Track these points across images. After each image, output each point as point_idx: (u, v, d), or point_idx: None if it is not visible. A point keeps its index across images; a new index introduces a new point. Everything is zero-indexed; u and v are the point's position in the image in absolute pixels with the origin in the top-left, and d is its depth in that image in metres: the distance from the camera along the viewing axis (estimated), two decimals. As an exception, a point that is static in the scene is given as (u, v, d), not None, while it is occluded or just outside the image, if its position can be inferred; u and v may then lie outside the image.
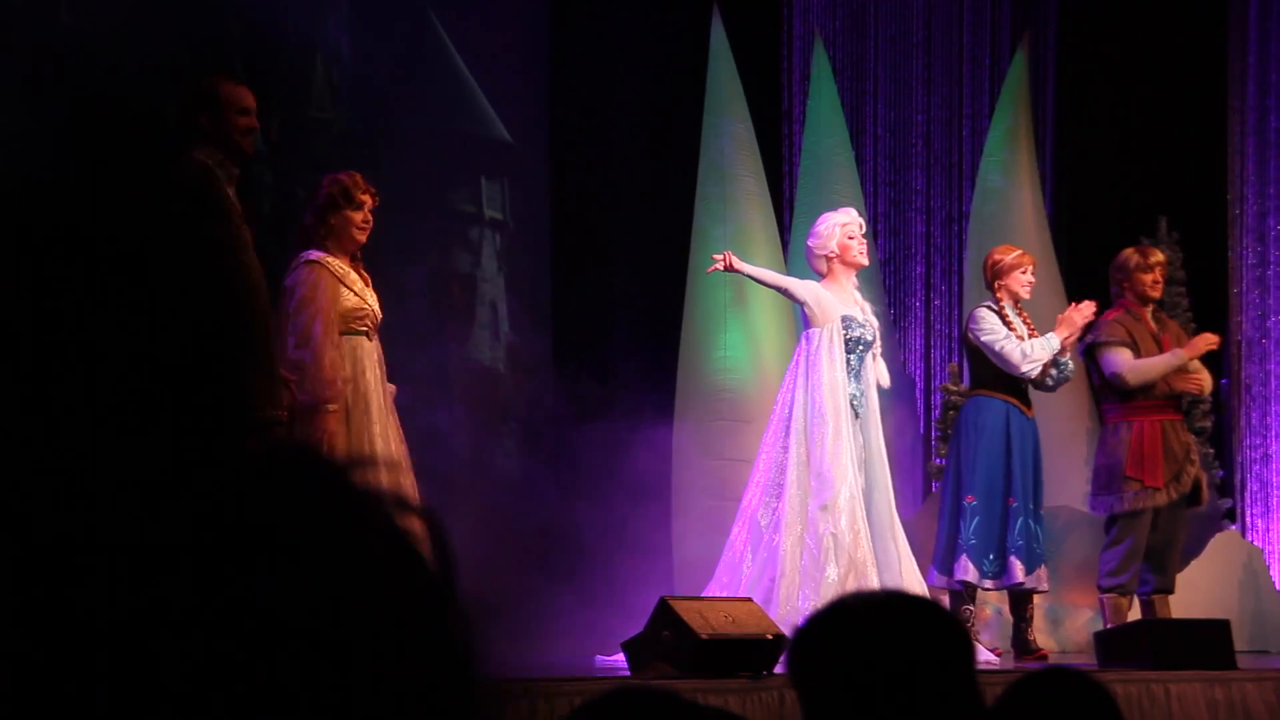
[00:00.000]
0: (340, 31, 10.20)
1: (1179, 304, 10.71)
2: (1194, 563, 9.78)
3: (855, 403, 7.78)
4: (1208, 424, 10.87)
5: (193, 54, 9.44)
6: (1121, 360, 8.40)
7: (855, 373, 7.82)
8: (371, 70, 10.22)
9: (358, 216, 6.85)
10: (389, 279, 9.16)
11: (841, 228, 7.90)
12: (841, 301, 7.85)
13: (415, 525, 1.38)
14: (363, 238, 6.90)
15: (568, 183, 10.77)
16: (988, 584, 8.19)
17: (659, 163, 10.58)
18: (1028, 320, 8.41)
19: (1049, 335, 8.23)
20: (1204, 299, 11.03)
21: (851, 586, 7.47)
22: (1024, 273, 8.36)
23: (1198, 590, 9.46)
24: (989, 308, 8.37)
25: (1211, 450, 10.82)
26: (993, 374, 8.30)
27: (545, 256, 10.80)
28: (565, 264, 10.74)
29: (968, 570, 8.14)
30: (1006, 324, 8.27)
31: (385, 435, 6.82)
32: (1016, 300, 8.38)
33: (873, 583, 7.52)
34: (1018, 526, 8.17)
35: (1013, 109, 10.76)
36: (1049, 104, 11.87)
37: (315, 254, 6.78)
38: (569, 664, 7.94)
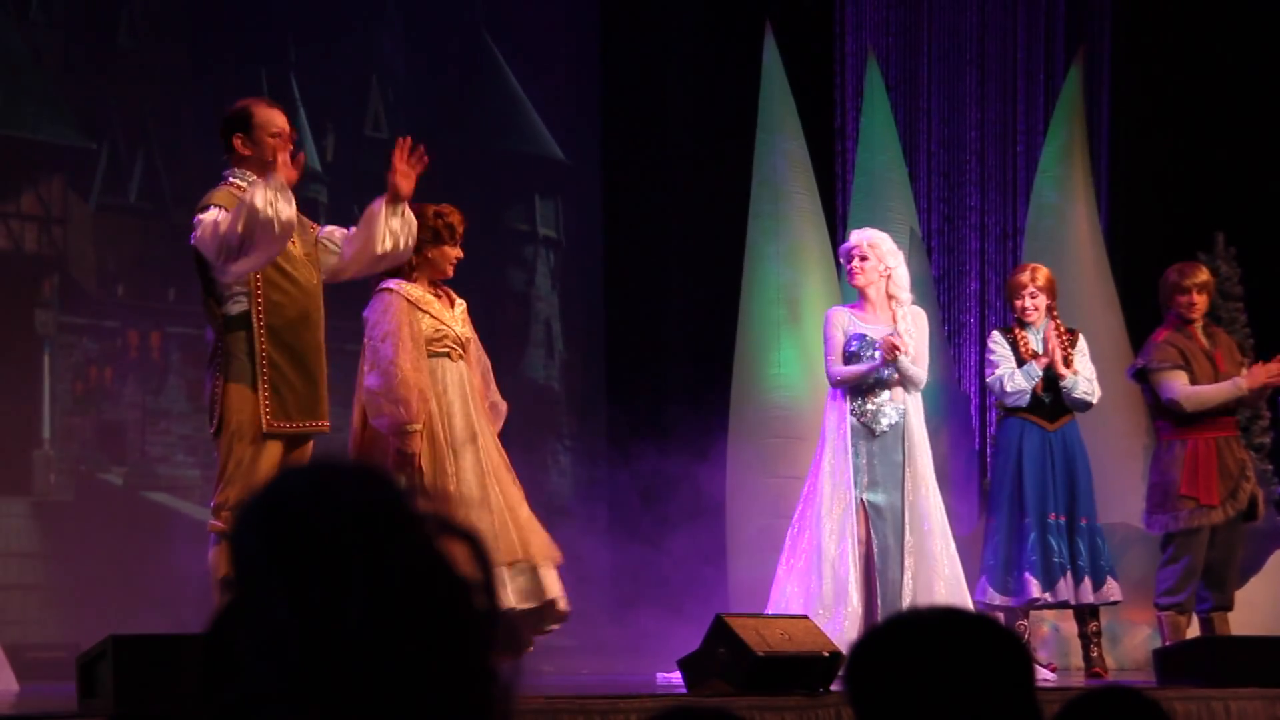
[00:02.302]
0: (395, 52, 10.26)
1: (1236, 319, 10.65)
2: (1253, 580, 9.71)
3: (868, 420, 7.80)
4: (1266, 440, 10.80)
5: (249, 76, 9.51)
6: (1178, 386, 8.35)
7: (864, 390, 7.83)
8: (426, 89, 10.27)
9: (453, 253, 6.88)
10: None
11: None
12: (863, 322, 7.90)
13: (458, 547, 1.47)
14: (451, 272, 6.92)
15: (621, 201, 10.80)
16: (1001, 600, 8.16)
17: (712, 180, 10.59)
18: (1062, 333, 8.35)
19: (1030, 364, 8.24)
20: (1263, 314, 10.97)
21: (830, 599, 7.56)
22: (1020, 298, 8.34)
23: (1257, 608, 9.39)
24: (1004, 330, 8.44)
25: (1270, 466, 10.75)
26: None
27: (598, 274, 10.83)
28: (618, 282, 10.76)
29: (986, 591, 8.16)
30: (1018, 345, 8.28)
31: (470, 455, 6.82)
32: (1026, 322, 8.34)
33: (854, 600, 7.57)
34: (1030, 542, 8.17)
35: (1067, 124, 10.73)
36: (1104, 119, 11.83)
37: (391, 282, 6.80)
38: (626, 682, 7.94)
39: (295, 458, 6.30)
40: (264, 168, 6.12)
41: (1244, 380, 8.44)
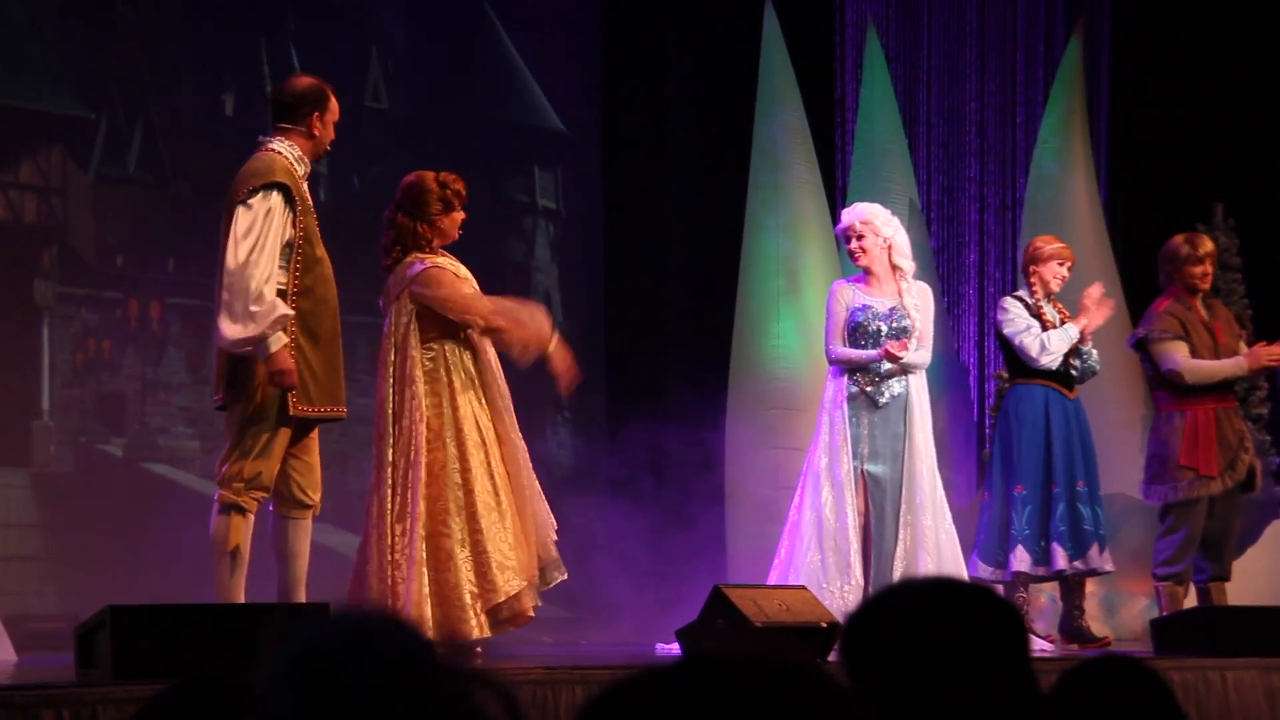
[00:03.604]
0: (395, 22, 10.24)
1: (1235, 290, 10.65)
2: (1250, 550, 9.73)
3: (872, 390, 7.80)
4: (1264, 411, 10.81)
5: (249, 47, 9.50)
6: (1179, 358, 8.35)
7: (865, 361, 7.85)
8: (426, 60, 10.26)
9: (460, 217, 6.93)
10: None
11: None
12: (867, 295, 7.89)
13: (491, 701, 1.49)
14: (456, 237, 6.97)
15: (620, 172, 10.79)
16: (1040, 571, 8.20)
17: (712, 151, 10.59)
18: (1062, 310, 8.38)
19: (1067, 325, 8.22)
20: (1261, 285, 10.97)
21: (834, 572, 7.59)
22: (1061, 265, 8.35)
23: (1255, 578, 9.42)
24: (1017, 297, 8.40)
25: (1268, 437, 10.76)
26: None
27: (598, 246, 10.83)
28: (618, 253, 10.76)
29: (1024, 560, 8.16)
30: (1035, 313, 8.28)
31: (514, 422, 6.89)
32: (1048, 290, 8.35)
33: (856, 572, 7.60)
34: (1059, 512, 8.19)
35: (1067, 95, 10.72)
36: (1104, 90, 11.82)
37: (425, 258, 6.81)
38: (625, 653, 7.96)
39: (305, 444, 6.34)
40: (317, 149, 6.37)
41: (1245, 360, 8.44)
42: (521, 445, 6.83)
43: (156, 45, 9.23)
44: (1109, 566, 8.30)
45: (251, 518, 6.24)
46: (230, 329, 6.06)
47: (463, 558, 6.54)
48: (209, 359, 8.79)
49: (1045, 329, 8.26)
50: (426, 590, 6.52)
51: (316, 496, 6.42)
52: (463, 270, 6.90)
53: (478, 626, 6.50)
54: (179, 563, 8.14)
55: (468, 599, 6.51)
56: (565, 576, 6.79)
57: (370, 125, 9.86)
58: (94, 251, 8.96)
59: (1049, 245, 8.46)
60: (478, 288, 6.95)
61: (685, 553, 9.16)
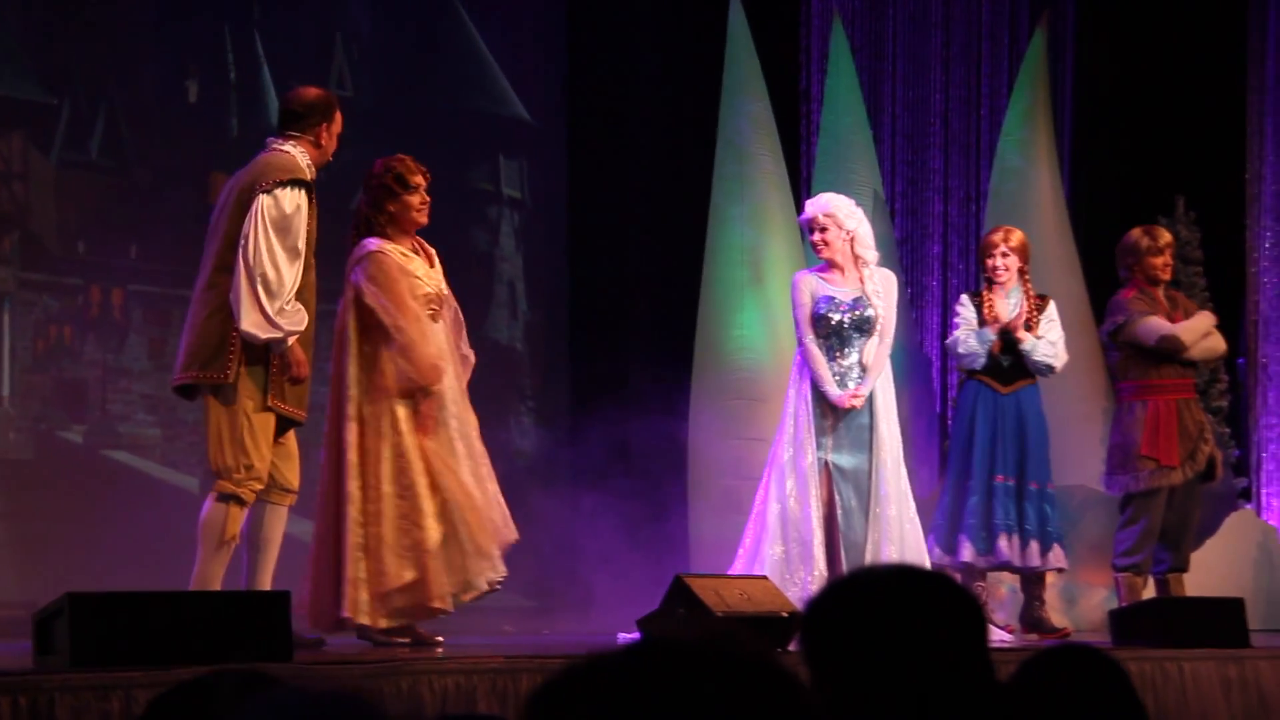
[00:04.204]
0: (360, 9, 10.21)
1: (1195, 283, 10.69)
2: (1209, 542, 9.78)
3: (837, 382, 7.82)
4: (1224, 403, 10.87)
5: (213, 34, 9.46)
6: (1169, 324, 8.41)
7: (832, 353, 7.85)
8: (391, 49, 10.23)
9: (415, 200, 6.91)
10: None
11: None
12: (830, 285, 7.91)
13: None
14: (423, 219, 6.96)
15: (586, 162, 10.78)
16: (947, 560, 8.23)
17: (677, 142, 10.58)
18: (1031, 296, 8.39)
19: (984, 329, 8.30)
20: (1221, 278, 11.02)
21: (797, 563, 7.61)
22: (991, 256, 8.41)
23: (1212, 569, 9.47)
24: (970, 294, 8.51)
25: (1228, 429, 10.82)
26: None
27: (563, 235, 10.82)
28: (583, 242, 10.75)
29: (933, 550, 8.23)
30: (984, 309, 8.33)
31: (463, 413, 6.87)
32: (995, 281, 8.39)
33: (820, 563, 7.62)
34: (969, 505, 8.23)
35: (1031, 88, 10.74)
36: (1067, 83, 11.85)
37: (374, 243, 6.82)
38: (588, 642, 7.96)
39: (283, 441, 6.36)
40: (321, 158, 6.46)
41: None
42: (465, 437, 6.80)
43: (120, 31, 9.19)
44: (1035, 563, 8.26)
45: (247, 509, 6.25)
46: (258, 327, 6.11)
47: (357, 543, 6.55)
48: (171, 346, 8.77)
49: (985, 323, 8.32)
50: (360, 575, 6.56)
51: (296, 483, 6.44)
52: (415, 263, 6.86)
53: (366, 614, 6.52)
54: (139, 550, 8.12)
55: (352, 582, 6.51)
56: (497, 578, 6.75)
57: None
58: (55, 238, 8.92)
59: (985, 239, 8.61)
60: (436, 273, 6.93)
61: (649, 542, 9.17)
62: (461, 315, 7.14)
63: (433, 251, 7.05)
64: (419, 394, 6.68)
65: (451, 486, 6.71)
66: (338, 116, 6.55)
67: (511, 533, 6.85)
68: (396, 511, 6.58)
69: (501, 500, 6.89)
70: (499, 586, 6.79)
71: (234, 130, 9.23)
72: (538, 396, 10.61)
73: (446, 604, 6.62)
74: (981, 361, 8.33)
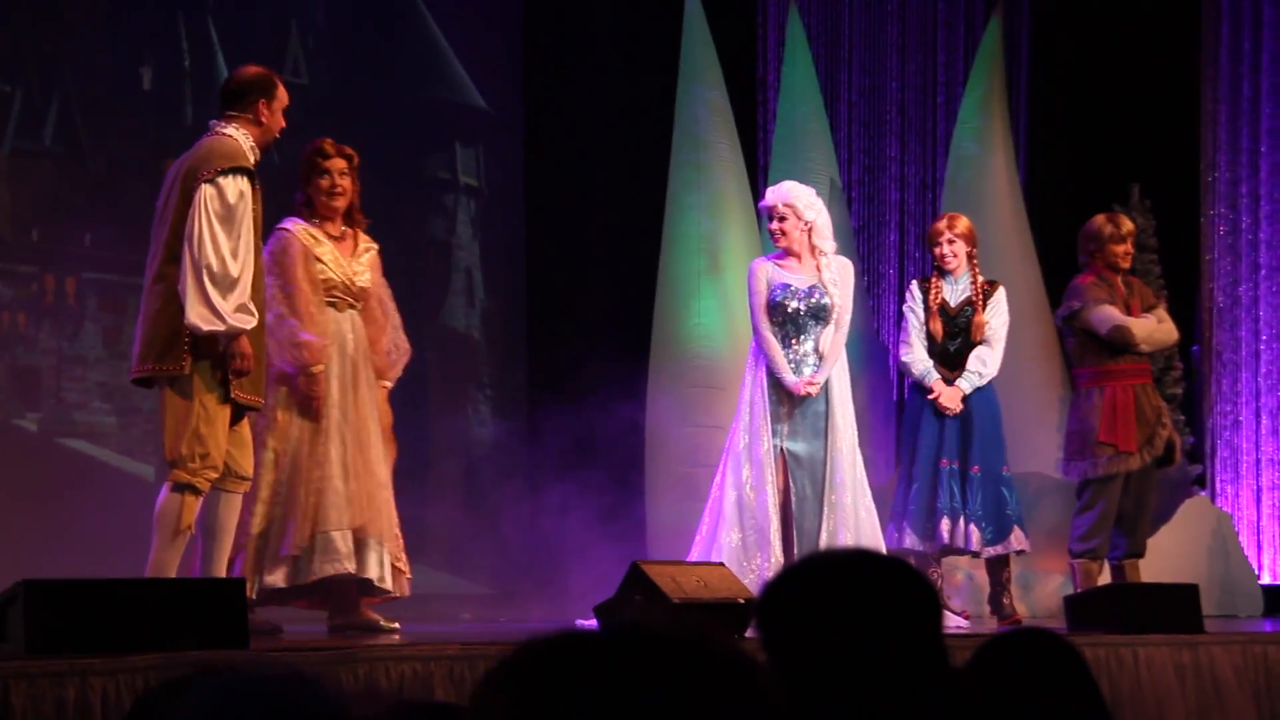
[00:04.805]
0: (314, -3, 10.17)
1: (1151, 271, 10.74)
2: (1164, 529, 9.83)
3: (792, 370, 7.85)
4: (1179, 390, 10.91)
5: (167, 21, 9.41)
6: (1122, 316, 8.44)
7: (787, 340, 7.88)
8: (346, 37, 10.20)
9: (325, 183, 6.91)
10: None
11: None
12: (786, 273, 7.93)
13: None
14: (337, 203, 6.94)
15: (543, 150, 10.77)
16: (910, 544, 8.25)
17: (633, 130, 10.58)
18: (979, 282, 8.41)
19: (929, 374, 8.30)
20: (1176, 266, 11.07)
21: (753, 550, 7.64)
22: (936, 244, 8.44)
23: (1167, 556, 9.51)
24: (920, 280, 8.54)
25: (1183, 417, 10.86)
26: None
27: (520, 223, 10.80)
28: (540, 231, 10.74)
29: (892, 536, 8.27)
30: (930, 298, 8.35)
31: (351, 404, 6.85)
32: (945, 269, 8.41)
33: (776, 550, 7.64)
34: (912, 491, 8.27)
35: (987, 76, 10.77)
36: (1023, 71, 11.89)
37: (287, 223, 6.85)
38: (544, 629, 7.95)
39: (239, 429, 6.34)
40: (265, 136, 6.40)
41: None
42: (354, 427, 6.83)
43: (73, 18, 9.13)
44: (974, 546, 8.26)
45: (203, 497, 6.23)
46: (202, 319, 6.08)
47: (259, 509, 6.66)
48: (127, 334, 8.72)
49: (932, 317, 8.33)
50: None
51: (251, 471, 6.42)
52: (325, 248, 6.86)
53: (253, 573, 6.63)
54: (94, 538, 8.09)
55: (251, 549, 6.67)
56: (340, 570, 6.76)
57: (290, 101, 9.78)
58: (9, 225, 8.86)
59: (930, 228, 8.67)
60: (358, 265, 6.93)
61: (608, 530, 9.17)
62: (397, 313, 7.14)
63: (368, 244, 7.04)
64: (300, 377, 6.72)
65: (302, 472, 6.73)
66: (279, 94, 6.48)
67: (380, 530, 6.83)
68: (253, 492, 6.65)
69: (388, 500, 6.89)
70: (345, 576, 6.76)
71: (188, 118, 9.18)
72: (495, 385, 10.60)
73: (251, 592, 6.60)
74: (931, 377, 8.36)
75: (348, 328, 6.91)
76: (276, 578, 6.70)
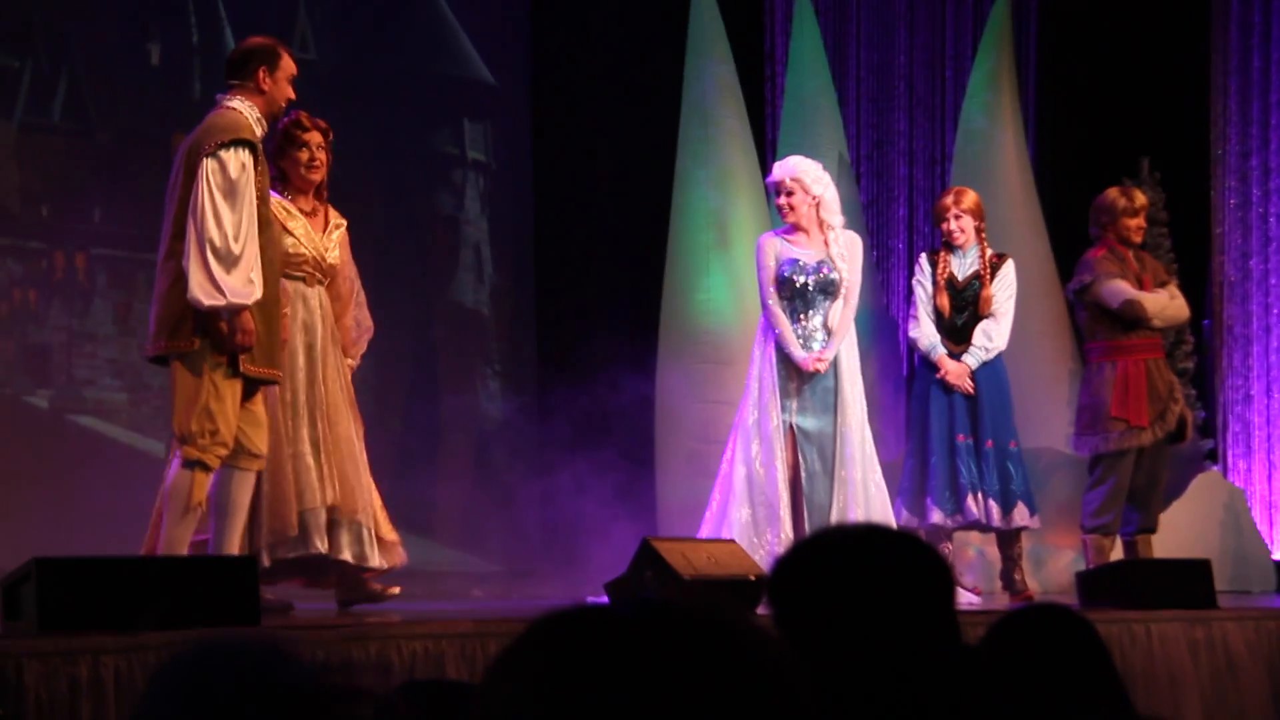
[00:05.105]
0: (322, -28, 10.14)
1: (1161, 244, 10.71)
2: (1176, 503, 9.81)
3: (801, 345, 7.84)
4: (1190, 365, 10.89)
5: (174, -5, 9.39)
6: (1134, 290, 8.42)
7: (796, 315, 7.87)
8: (354, 12, 10.18)
9: (303, 156, 6.89)
10: (371, 221, 9.15)
11: None
12: (795, 247, 7.92)
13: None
14: (315, 176, 6.93)
15: (550, 125, 10.74)
16: (915, 524, 8.25)
17: (641, 105, 10.56)
18: (988, 255, 8.40)
19: (936, 346, 8.29)
20: (1186, 239, 11.04)
21: (763, 525, 7.64)
22: (944, 220, 8.42)
23: (1179, 530, 9.50)
24: (929, 253, 8.52)
25: (1194, 391, 10.85)
26: None
27: (528, 198, 10.79)
28: (548, 206, 10.72)
29: (900, 513, 8.26)
30: (939, 272, 8.34)
31: (320, 380, 6.83)
32: (953, 244, 8.40)
33: (786, 525, 7.64)
34: (931, 466, 8.27)
35: (995, 50, 10.73)
36: (1031, 45, 11.84)
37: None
38: (555, 606, 7.95)
39: (252, 398, 6.32)
40: (270, 106, 6.33)
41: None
42: (322, 407, 6.81)
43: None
44: (996, 522, 8.25)
45: (213, 474, 6.22)
46: (203, 293, 6.05)
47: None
48: (137, 310, 8.72)
49: (939, 291, 8.32)
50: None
51: (265, 449, 6.40)
52: (296, 223, 6.85)
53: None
54: (105, 515, 8.09)
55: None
56: (291, 555, 6.75)
57: (298, 76, 9.76)
58: (18, 201, 8.86)
59: (937, 203, 8.64)
60: (328, 240, 6.92)
61: (618, 506, 9.17)
62: (362, 291, 7.14)
63: (338, 221, 7.03)
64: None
65: (274, 450, 6.73)
66: (284, 63, 6.42)
67: (354, 507, 6.80)
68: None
69: (362, 475, 6.86)
70: (316, 557, 6.76)
71: (196, 93, 9.17)
72: (504, 360, 10.59)
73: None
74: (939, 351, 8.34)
75: (316, 303, 6.89)
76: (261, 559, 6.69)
